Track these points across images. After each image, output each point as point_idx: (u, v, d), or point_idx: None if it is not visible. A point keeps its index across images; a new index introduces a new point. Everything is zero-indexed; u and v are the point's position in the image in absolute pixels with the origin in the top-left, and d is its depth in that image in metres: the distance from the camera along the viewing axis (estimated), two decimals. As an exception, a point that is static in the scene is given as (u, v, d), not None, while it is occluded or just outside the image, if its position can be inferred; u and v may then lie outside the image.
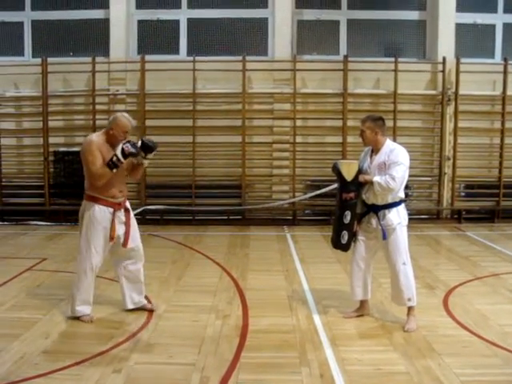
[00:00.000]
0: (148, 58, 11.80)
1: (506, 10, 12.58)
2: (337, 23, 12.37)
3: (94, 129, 11.06)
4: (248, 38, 12.21)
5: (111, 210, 5.66)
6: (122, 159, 5.37)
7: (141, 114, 11.67)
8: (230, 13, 12.19)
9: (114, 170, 5.43)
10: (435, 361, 4.78)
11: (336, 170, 5.62)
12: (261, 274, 7.72)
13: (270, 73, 11.73)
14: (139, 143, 5.53)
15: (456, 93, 11.93)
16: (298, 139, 11.78)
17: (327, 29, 12.41)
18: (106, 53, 12.03)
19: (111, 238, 5.65)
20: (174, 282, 7.27)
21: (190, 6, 12.24)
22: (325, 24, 12.36)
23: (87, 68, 11.69)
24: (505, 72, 11.99)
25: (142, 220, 11.49)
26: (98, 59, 11.72)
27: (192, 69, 11.61)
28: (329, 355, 4.88)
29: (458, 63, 11.83)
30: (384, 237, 5.54)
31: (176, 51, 12.30)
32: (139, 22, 12.33)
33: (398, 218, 5.55)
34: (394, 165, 5.44)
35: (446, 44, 12.08)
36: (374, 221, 5.62)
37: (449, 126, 12.00)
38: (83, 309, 5.75)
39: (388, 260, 5.68)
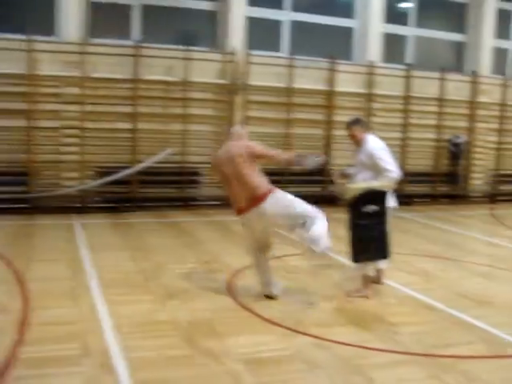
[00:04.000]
0: None
1: (294, 8, 13.27)
2: (130, 8, 12.18)
3: None
4: (35, 17, 11.55)
5: None
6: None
7: None
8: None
9: None
10: (217, 342, 4.92)
11: (377, 192, 6.14)
12: (46, 264, 7.38)
13: (58, 55, 11.18)
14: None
15: (245, 83, 12.33)
16: (88, 125, 11.42)
17: (120, 13, 12.16)
18: None
19: None
20: None
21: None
22: (118, 8, 12.09)
23: None
24: (290, 66, 12.63)
25: None
26: None
27: (-29, 46, 10.77)
28: (111, 344, 4.80)
29: (247, 55, 12.24)
30: None
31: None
32: None
33: None
34: (380, 161, 6.21)
35: (236, 36, 12.42)
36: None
37: (238, 115, 12.37)
38: None
39: None
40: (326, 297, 6.36)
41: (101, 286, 6.42)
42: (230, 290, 6.46)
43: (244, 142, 6.10)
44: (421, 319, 5.80)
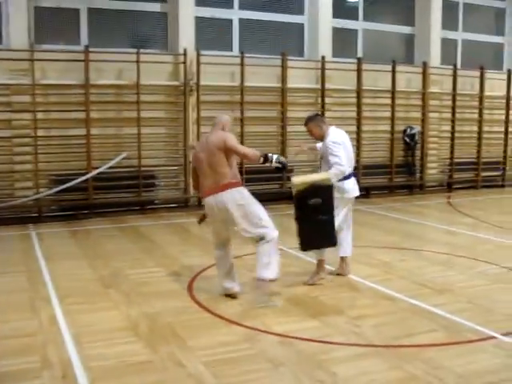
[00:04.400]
0: None
1: (241, 7, 13.26)
2: (77, 12, 12.00)
3: None
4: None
5: None
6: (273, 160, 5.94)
7: None
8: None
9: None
10: (178, 345, 4.89)
11: (321, 185, 6.27)
12: (3, 277, 7.20)
13: (5, 62, 10.95)
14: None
15: (198, 84, 12.28)
16: (40, 132, 11.22)
17: (67, 17, 11.97)
18: None
19: None
20: None
21: None
22: (65, 12, 11.89)
23: None
24: (242, 64, 12.62)
25: None
26: None
27: None
28: (72, 354, 4.73)
29: (198, 55, 12.18)
30: None
31: None
32: None
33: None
34: (331, 156, 6.43)
35: (186, 36, 12.34)
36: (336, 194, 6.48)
37: (192, 115, 12.31)
38: None
39: None
40: (286, 293, 6.39)
41: (60, 296, 6.32)
42: (191, 293, 6.44)
43: (224, 133, 6.11)
44: (381, 311, 5.85)
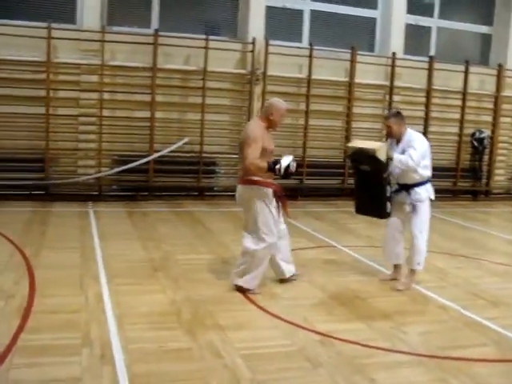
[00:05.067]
0: None
1: (314, -3, 13.13)
2: (150, -4, 12.14)
3: None
4: (55, 4, 11.54)
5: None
6: (281, 172, 5.71)
7: None
8: (35, -24, 11.47)
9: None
10: (219, 336, 4.85)
11: (367, 155, 6.28)
12: (55, 252, 7.37)
13: (77, 42, 11.16)
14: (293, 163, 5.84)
15: (264, 73, 12.21)
16: (106, 113, 11.40)
17: (139, 1, 12.11)
18: None
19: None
20: (-44, 263, 6.74)
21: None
22: (138, -4, 12.08)
23: None
24: (310, 56, 12.47)
25: None
26: None
27: (-10, 33, 10.78)
28: (112, 334, 4.75)
29: (266, 45, 12.11)
30: (413, 209, 6.49)
31: (-27, 13, 11.37)
32: None
33: (426, 193, 6.53)
34: (411, 148, 6.31)
35: (256, 25, 12.28)
36: (405, 197, 6.51)
37: (256, 105, 12.25)
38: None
39: (410, 228, 6.54)
40: (334, 292, 6.28)
41: (109, 276, 6.39)
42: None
43: (255, 123, 6.08)
44: (431, 318, 5.66)
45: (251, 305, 5.70)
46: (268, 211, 5.98)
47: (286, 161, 5.77)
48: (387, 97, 13.38)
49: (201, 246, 8.10)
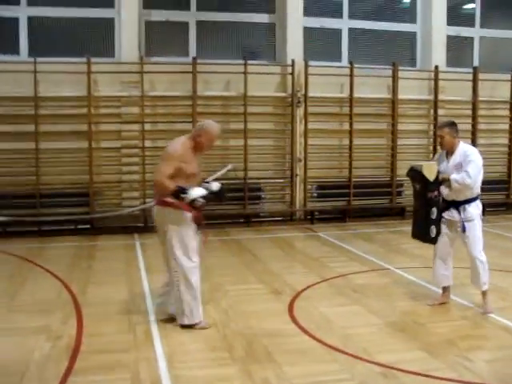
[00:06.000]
0: (-16, 58, 10.97)
1: (351, 16, 12.93)
2: (186, 24, 12.13)
3: None
4: (93, 39, 11.68)
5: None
6: (187, 200, 5.34)
7: (-24, 119, 10.85)
8: (73, 11, 11.56)
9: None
10: (274, 371, 4.64)
11: (416, 172, 6.13)
12: (102, 287, 7.28)
13: (117, 75, 11.24)
14: (215, 188, 5.68)
15: (305, 95, 12.06)
16: (148, 143, 11.41)
17: (176, 30, 12.15)
18: None
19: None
20: (5, 302, 6.64)
21: (31, 2, 11.49)
22: (174, 25, 12.08)
23: None
24: (351, 75, 12.28)
25: (-18, 233, 10.78)
26: None
27: (33, 71, 10.89)
28: (162, 373, 4.60)
29: (306, 66, 11.97)
30: (464, 229, 6.14)
31: (16, 51, 11.51)
32: (-26, 19, 11.45)
33: (477, 210, 6.23)
34: (470, 163, 6.01)
35: (294, 47, 12.19)
36: (455, 215, 6.20)
37: (299, 127, 12.10)
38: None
39: (467, 249, 6.21)
40: (391, 318, 6.00)
41: (156, 310, 6.22)
42: (292, 313, 6.16)
43: (183, 141, 5.60)
44: (497, 344, 5.34)
45: (306, 336, 5.47)
46: (187, 233, 5.57)
47: (196, 193, 5.39)
48: (432, 111, 13.06)
49: (250, 275, 7.91)
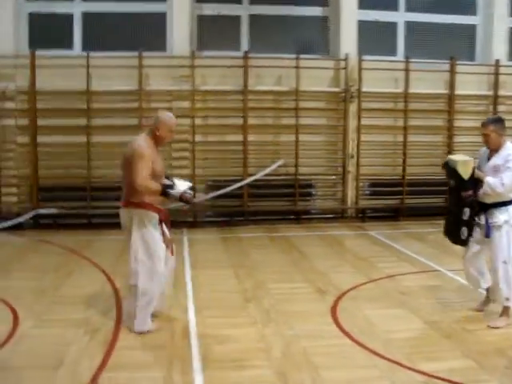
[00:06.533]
0: (39, 52, 11.07)
1: (408, 9, 12.57)
2: (238, 18, 12.01)
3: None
4: (145, 33, 11.67)
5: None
6: (177, 196, 5.22)
7: (32, 112, 10.97)
8: (126, 6, 11.61)
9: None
10: (310, 375, 4.48)
11: (451, 168, 5.70)
12: (146, 283, 7.23)
13: (168, 69, 11.23)
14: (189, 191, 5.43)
15: (359, 90, 11.78)
16: (198, 138, 11.35)
17: (228, 24, 12.03)
18: (-7, 47, 11.23)
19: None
20: (50, 293, 6.69)
21: (85, -2, 11.61)
22: (225, 19, 11.98)
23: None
24: (406, 70, 11.94)
25: (35, 225, 10.91)
26: (-18, 54, 10.94)
27: (86, 65, 10.97)
28: (196, 374, 4.47)
29: (360, 60, 11.69)
30: (487, 234, 5.65)
31: (69, 46, 11.63)
32: (30, 14, 11.59)
33: (506, 216, 5.59)
34: (507, 170, 5.48)
35: (348, 41, 11.91)
36: (482, 217, 5.70)
37: (352, 123, 11.83)
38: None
39: (491, 258, 5.71)
40: (439, 324, 5.71)
41: (198, 307, 6.19)
42: (335, 315, 5.96)
43: (145, 139, 5.37)
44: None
45: (348, 339, 5.26)
46: (152, 237, 5.38)
47: (183, 186, 5.28)
48: (491, 107, 12.57)
49: (295, 274, 7.73)
